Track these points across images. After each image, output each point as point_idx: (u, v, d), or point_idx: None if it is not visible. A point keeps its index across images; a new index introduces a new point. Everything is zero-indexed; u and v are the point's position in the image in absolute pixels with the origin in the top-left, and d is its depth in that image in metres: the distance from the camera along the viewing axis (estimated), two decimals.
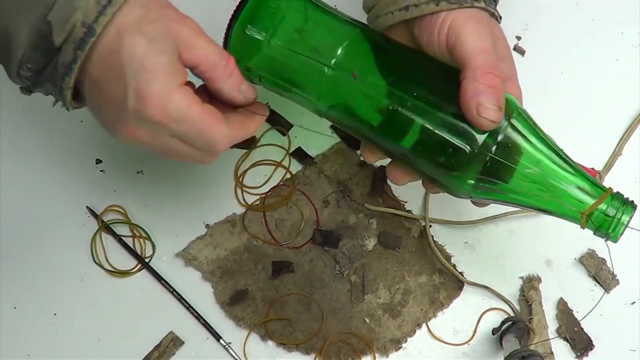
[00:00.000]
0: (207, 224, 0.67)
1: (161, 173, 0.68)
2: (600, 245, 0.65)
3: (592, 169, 0.65)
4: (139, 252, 0.67)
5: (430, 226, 0.66)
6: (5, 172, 0.69)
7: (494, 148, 0.48)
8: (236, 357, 0.63)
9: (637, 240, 0.65)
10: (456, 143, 0.49)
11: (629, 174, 0.66)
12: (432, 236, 0.65)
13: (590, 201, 0.49)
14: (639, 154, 0.67)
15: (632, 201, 0.49)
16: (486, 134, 0.49)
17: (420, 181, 0.55)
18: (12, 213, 0.68)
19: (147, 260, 0.66)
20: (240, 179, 0.68)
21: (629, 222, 0.49)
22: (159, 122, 0.49)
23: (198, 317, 0.64)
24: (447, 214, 0.66)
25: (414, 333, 0.64)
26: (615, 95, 0.68)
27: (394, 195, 0.67)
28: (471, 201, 0.54)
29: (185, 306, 0.64)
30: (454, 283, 0.65)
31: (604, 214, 0.49)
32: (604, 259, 0.64)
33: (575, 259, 0.65)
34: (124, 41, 0.48)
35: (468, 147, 0.49)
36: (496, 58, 0.50)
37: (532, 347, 0.61)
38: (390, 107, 0.50)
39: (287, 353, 0.64)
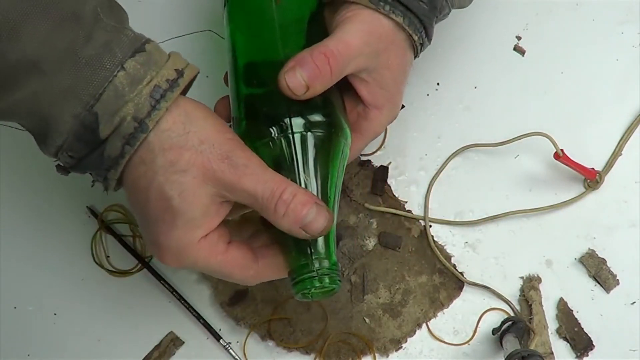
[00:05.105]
0: None
1: None
2: (600, 245, 0.65)
3: (592, 169, 0.65)
4: (139, 252, 0.67)
5: (430, 226, 0.66)
6: (6, 171, 0.69)
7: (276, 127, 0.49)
8: (236, 357, 0.63)
9: (637, 240, 0.65)
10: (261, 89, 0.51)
11: (629, 174, 0.66)
12: (432, 236, 0.65)
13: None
14: (639, 154, 0.67)
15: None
16: (282, 109, 0.49)
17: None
18: (12, 213, 0.68)
19: (147, 260, 0.66)
20: None
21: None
22: (176, 267, 0.48)
23: (198, 317, 0.64)
24: (447, 214, 0.66)
25: (414, 333, 0.64)
26: (615, 95, 0.68)
27: (394, 195, 0.67)
28: None
29: (185, 306, 0.64)
30: (454, 283, 0.65)
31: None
32: (604, 259, 0.64)
33: (575, 259, 0.65)
34: (155, 178, 0.45)
35: (263, 95, 0.51)
36: (356, 54, 0.50)
37: (532, 347, 0.61)
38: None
39: (287, 353, 0.64)
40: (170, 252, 0.47)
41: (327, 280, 0.49)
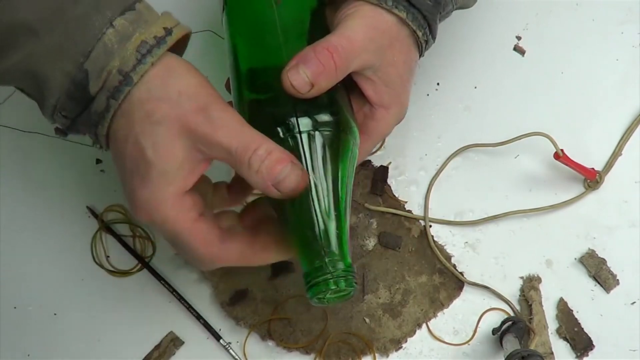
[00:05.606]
0: None
1: None
2: (600, 245, 0.65)
3: (592, 169, 0.65)
4: (139, 252, 0.67)
5: (430, 226, 0.66)
6: (6, 172, 0.69)
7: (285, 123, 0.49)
8: (236, 357, 0.63)
9: (637, 240, 0.65)
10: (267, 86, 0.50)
11: (629, 174, 0.66)
12: (432, 236, 0.65)
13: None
14: (639, 154, 0.67)
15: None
16: (290, 109, 0.49)
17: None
18: (12, 213, 0.68)
19: (147, 260, 0.66)
20: None
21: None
22: (147, 224, 0.48)
23: (198, 317, 0.64)
24: (447, 214, 0.66)
25: (414, 333, 0.64)
26: (615, 95, 0.68)
27: (394, 195, 0.67)
28: None
29: (185, 306, 0.64)
30: (454, 283, 0.65)
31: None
32: (604, 259, 0.64)
33: (575, 259, 0.65)
34: (133, 130, 0.45)
35: (270, 95, 0.50)
36: (360, 50, 0.50)
37: (532, 347, 0.61)
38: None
39: (287, 353, 0.64)
40: (142, 205, 0.46)
41: (342, 283, 0.48)
